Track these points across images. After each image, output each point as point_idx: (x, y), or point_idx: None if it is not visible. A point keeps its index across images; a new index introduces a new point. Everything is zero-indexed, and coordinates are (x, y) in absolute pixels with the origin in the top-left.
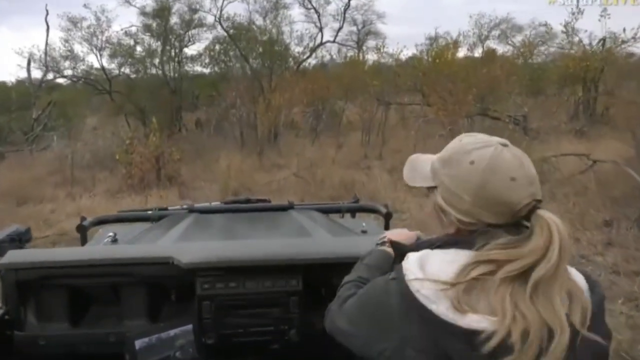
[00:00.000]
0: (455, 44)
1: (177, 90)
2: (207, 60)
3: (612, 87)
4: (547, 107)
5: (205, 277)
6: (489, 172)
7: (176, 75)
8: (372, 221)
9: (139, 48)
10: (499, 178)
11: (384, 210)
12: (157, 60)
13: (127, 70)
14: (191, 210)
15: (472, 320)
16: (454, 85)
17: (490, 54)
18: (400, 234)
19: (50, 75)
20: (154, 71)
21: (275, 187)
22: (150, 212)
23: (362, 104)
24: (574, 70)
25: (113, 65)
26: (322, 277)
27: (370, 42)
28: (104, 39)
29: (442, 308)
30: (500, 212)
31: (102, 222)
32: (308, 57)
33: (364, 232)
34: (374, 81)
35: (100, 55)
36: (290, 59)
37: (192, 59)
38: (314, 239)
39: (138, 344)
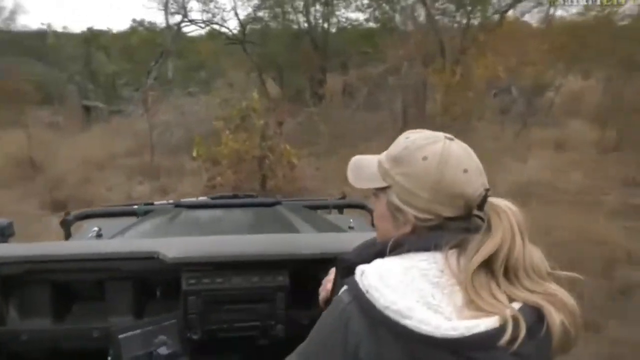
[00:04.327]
0: None
1: (321, 44)
2: (364, 2)
3: None
4: None
5: (191, 273)
6: (443, 166)
7: (323, 23)
8: (360, 218)
9: None
10: (453, 171)
11: (371, 206)
12: (300, 3)
13: (266, 16)
14: (177, 205)
15: (449, 328)
16: None
17: None
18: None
19: (176, 18)
20: (294, 17)
21: None
22: (135, 206)
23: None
24: None
25: (249, 10)
26: (308, 272)
27: None
28: None
29: (415, 322)
30: (457, 205)
31: (86, 216)
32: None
33: (351, 228)
34: None
35: None
36: (490, 7)
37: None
38: (301, 235)
39: (122, 338)
